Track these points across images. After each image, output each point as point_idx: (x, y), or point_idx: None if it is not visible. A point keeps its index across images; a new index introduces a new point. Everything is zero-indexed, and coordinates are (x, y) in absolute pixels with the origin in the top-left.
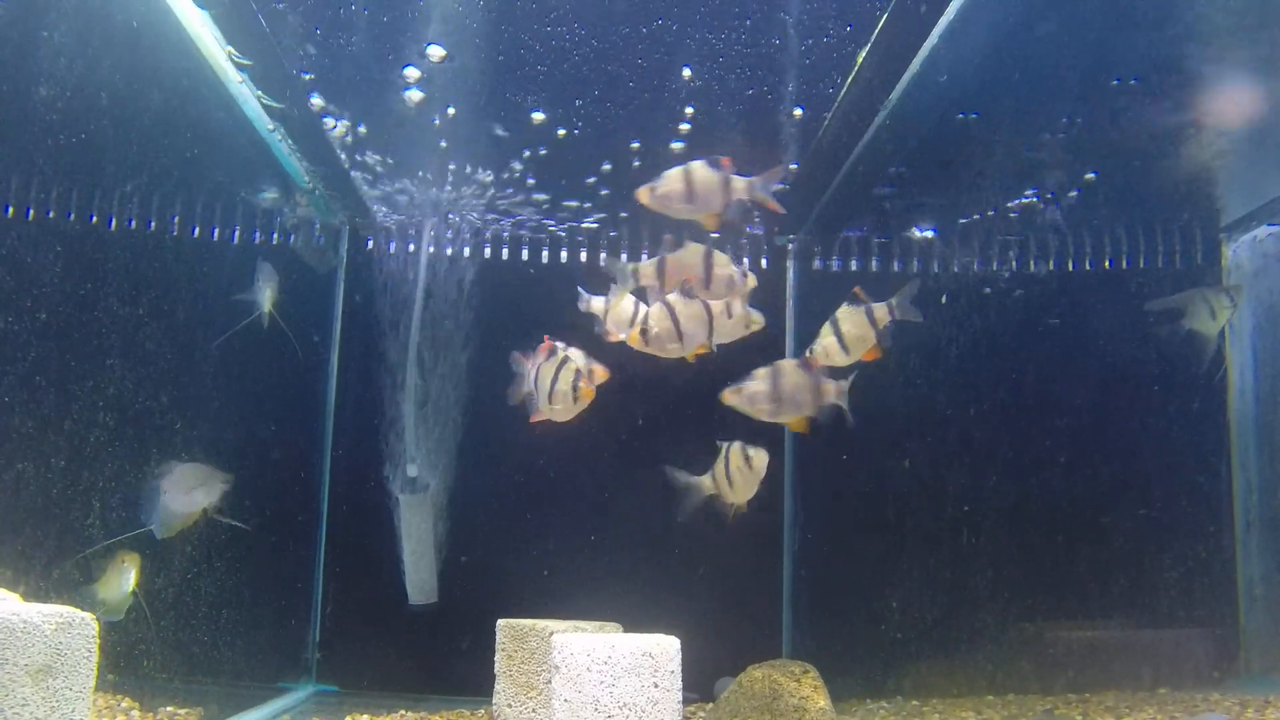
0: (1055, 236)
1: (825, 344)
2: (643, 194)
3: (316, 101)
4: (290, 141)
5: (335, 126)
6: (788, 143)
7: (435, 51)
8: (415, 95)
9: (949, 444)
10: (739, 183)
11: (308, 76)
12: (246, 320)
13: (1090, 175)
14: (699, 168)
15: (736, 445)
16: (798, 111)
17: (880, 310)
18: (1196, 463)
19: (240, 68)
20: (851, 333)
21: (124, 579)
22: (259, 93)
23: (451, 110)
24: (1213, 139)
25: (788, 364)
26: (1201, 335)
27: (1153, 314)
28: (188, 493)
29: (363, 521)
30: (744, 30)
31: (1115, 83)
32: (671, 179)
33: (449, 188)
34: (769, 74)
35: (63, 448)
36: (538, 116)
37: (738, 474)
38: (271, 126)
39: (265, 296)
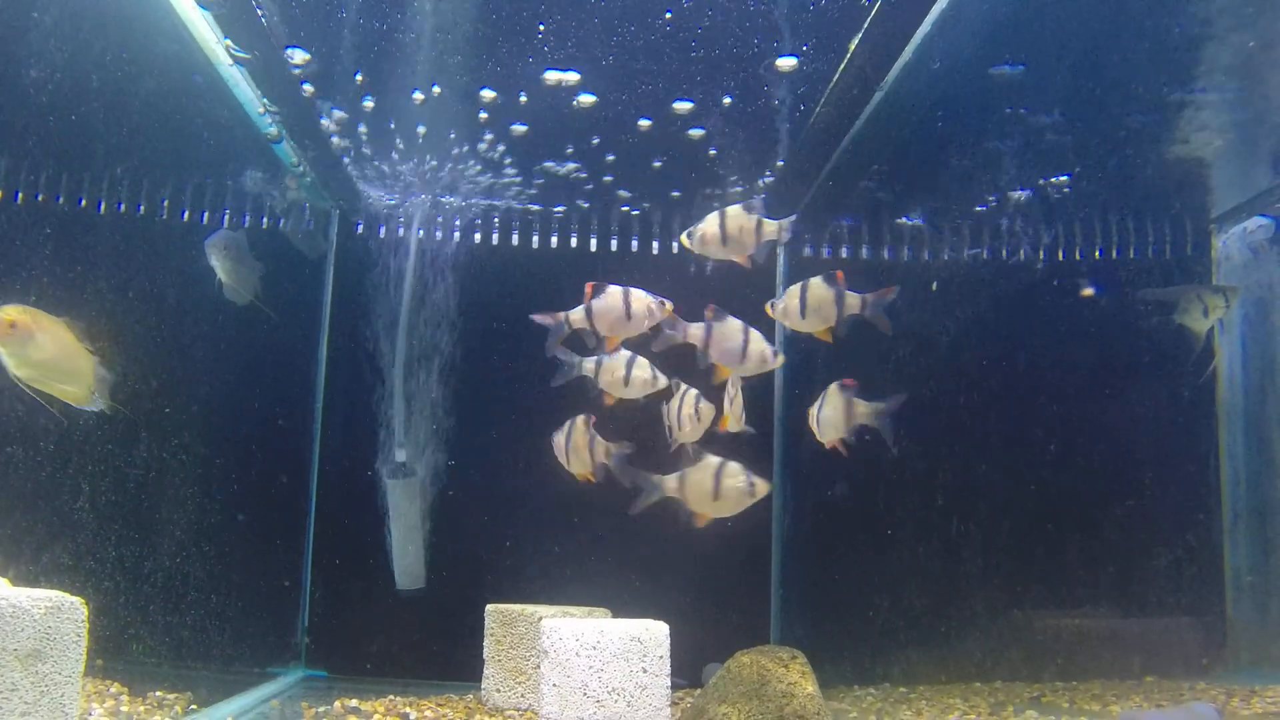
0: (1046, 226)
1: (788, 304)
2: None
3: (307, 88)
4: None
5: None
6: (780, 129)
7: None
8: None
9: (938, 433)
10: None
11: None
12: (214, 288)
13: (1080, 165)
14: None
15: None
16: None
17: (852, 300)
18: (1185, 453)
19: (238, 62)
20: (816, 302)
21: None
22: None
23: (437, 89)
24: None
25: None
26: (1190, 331)
27: (1145, 303)
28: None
29: (352, 506)
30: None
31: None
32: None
33: (438, 169)
34: (760, 61)
35: (51, 432)
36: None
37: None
38: (262, 110)
39: (218, 267)
